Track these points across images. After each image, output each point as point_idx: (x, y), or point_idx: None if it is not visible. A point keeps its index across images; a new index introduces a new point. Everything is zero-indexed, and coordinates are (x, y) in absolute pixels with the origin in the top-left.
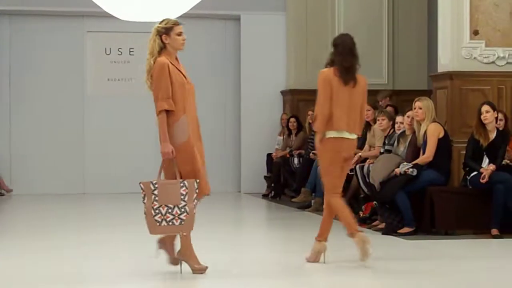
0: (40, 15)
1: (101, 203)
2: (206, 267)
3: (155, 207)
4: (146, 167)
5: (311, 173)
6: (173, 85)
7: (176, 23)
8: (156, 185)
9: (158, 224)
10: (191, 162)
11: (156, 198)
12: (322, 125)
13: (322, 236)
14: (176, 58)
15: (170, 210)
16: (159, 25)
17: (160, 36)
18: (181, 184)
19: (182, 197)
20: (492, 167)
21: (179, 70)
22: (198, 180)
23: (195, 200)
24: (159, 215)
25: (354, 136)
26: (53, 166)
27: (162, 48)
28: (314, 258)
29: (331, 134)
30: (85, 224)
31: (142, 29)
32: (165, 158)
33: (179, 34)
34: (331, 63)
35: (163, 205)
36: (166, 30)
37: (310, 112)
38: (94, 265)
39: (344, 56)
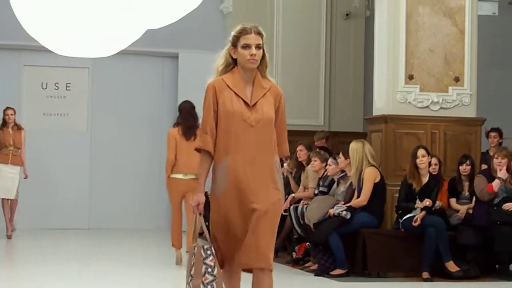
0: None
1: (31, 238)
2: None
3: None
4: (76, 202)
5: None
6: (219, 114)
7: (243, 31)
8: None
9: None
10: (220, 226)
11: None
12: (169, 168)
13: None
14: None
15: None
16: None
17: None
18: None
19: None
20: (428, 202)
21: (239, 95)
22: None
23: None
24: None
25: (191, 176)
26: None
27: (230, 65)
28: None
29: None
30: None
31: (79, 64)
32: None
33: (245, 46)
34: (177, 124)
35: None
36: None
37: None
38: None
39: (185, 118)
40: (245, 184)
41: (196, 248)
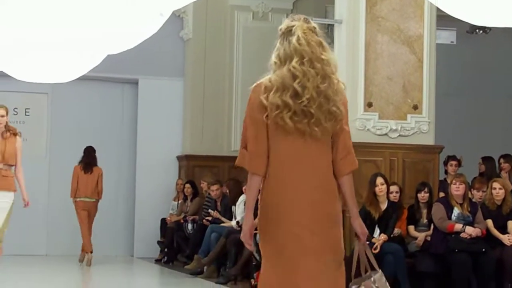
0: None
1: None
2: None
3: None
4: (34, 234)
5: (204, 240)
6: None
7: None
8: None
9: None
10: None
11: None
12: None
13: None
14: None
15: None
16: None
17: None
18: None
19: None
20: (384, 237)
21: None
22: None
23: None
24: None
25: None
26: None
27: None
28: None
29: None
30: None
31: (38, 89)
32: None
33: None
34: (80, 161)
35: None
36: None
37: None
38: None
39: (86, 156)
40: None
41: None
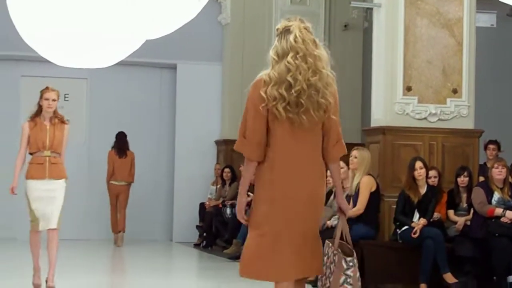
0: None
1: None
2: None
3: None
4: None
5: (243, 225)
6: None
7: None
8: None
9: None
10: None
11: None
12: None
13: None
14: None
15: None
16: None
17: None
18: None
19: None
20: (423, 221)
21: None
22: None
23: None
24: None
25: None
26: None
27: None
28: None
29: None
30: None
31: (77, 75)
32: None
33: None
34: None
35: None
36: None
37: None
38: None
39: (118, 141)
40: None
41: (337, 257)
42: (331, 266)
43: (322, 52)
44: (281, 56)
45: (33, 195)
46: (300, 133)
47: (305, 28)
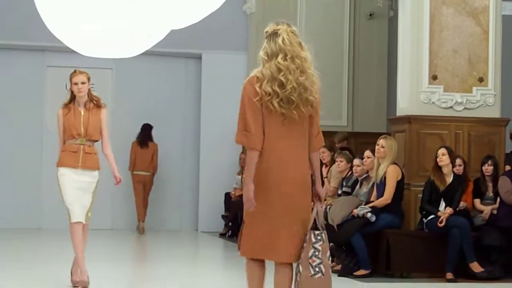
0: (0, 48)
1: (56, 239)
2: None
3: None
4: (103, 201)
5: None
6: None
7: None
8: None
9: None
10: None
11: None
12: None
13: None
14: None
15: None
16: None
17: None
18: None
19: None
20: (450, 210)
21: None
22: None
23: None
24: None
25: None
26: (9, 200)
27: None
28: None
29: None
30: (39, 259)
31: (102, 65)
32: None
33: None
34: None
35: None
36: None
37: None
38: None
39: (142, 132)
40: None
41: (308, 234)
42: (304, 244)
43: (307, 54)
44: (271, 56)
45: (64, 183)
46: (291, 126)
47: (292, 32)
